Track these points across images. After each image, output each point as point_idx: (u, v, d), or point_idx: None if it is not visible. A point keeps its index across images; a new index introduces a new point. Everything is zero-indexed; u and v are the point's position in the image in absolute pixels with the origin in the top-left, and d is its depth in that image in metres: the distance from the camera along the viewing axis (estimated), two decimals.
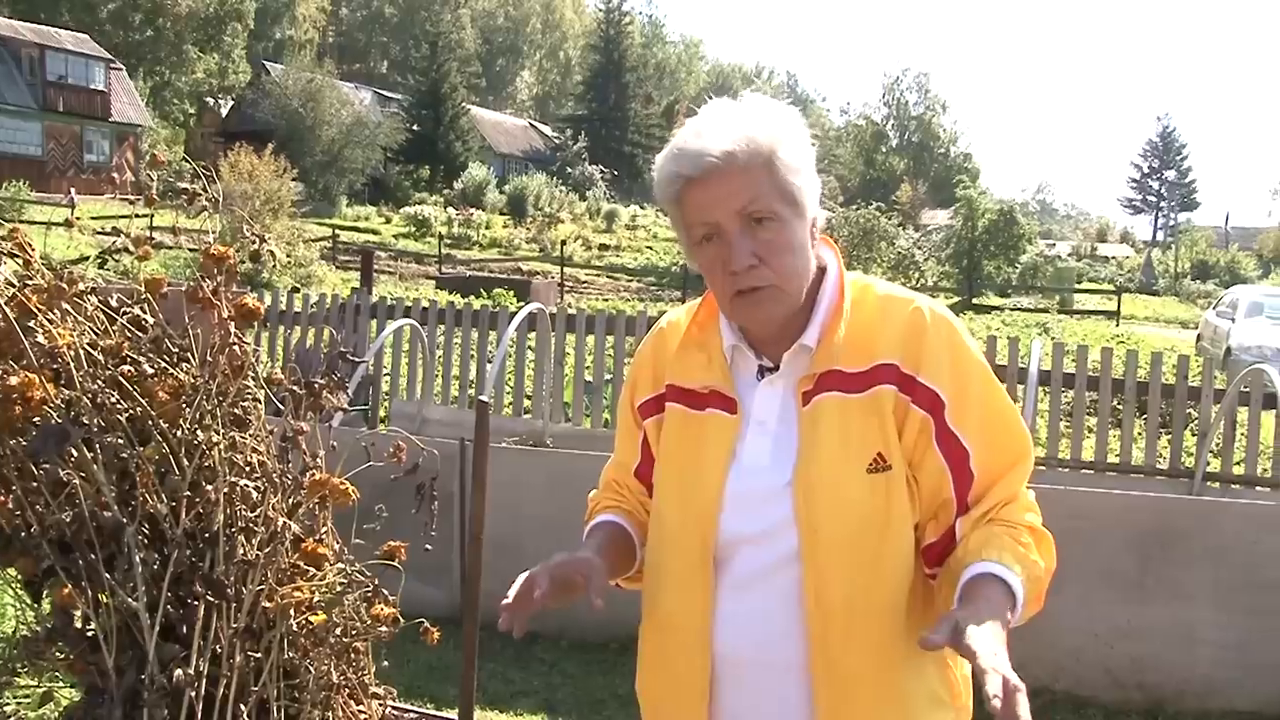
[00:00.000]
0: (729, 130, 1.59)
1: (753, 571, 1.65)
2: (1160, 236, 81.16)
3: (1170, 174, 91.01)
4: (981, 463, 1.62)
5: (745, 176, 1.58)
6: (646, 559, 1.79)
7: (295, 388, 2.15)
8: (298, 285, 17.43)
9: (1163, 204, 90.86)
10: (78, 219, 20.47)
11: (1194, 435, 8.60)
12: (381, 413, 9.61)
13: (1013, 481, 1.63)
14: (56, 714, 2.12)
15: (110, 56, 47.63)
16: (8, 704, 3.71)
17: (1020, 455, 1.66)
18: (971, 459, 1.62)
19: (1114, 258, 55.39)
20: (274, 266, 23.14)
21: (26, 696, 3.63)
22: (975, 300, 31.80)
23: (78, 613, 1.93)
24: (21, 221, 22.74)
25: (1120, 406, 8.24)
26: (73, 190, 35.64)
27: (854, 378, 1.63)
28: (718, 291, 1.66)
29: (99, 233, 22.32)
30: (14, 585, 2.06)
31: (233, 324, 2.04)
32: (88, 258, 2.25)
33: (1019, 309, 28.39)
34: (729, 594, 1.66)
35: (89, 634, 1.93)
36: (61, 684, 2.40)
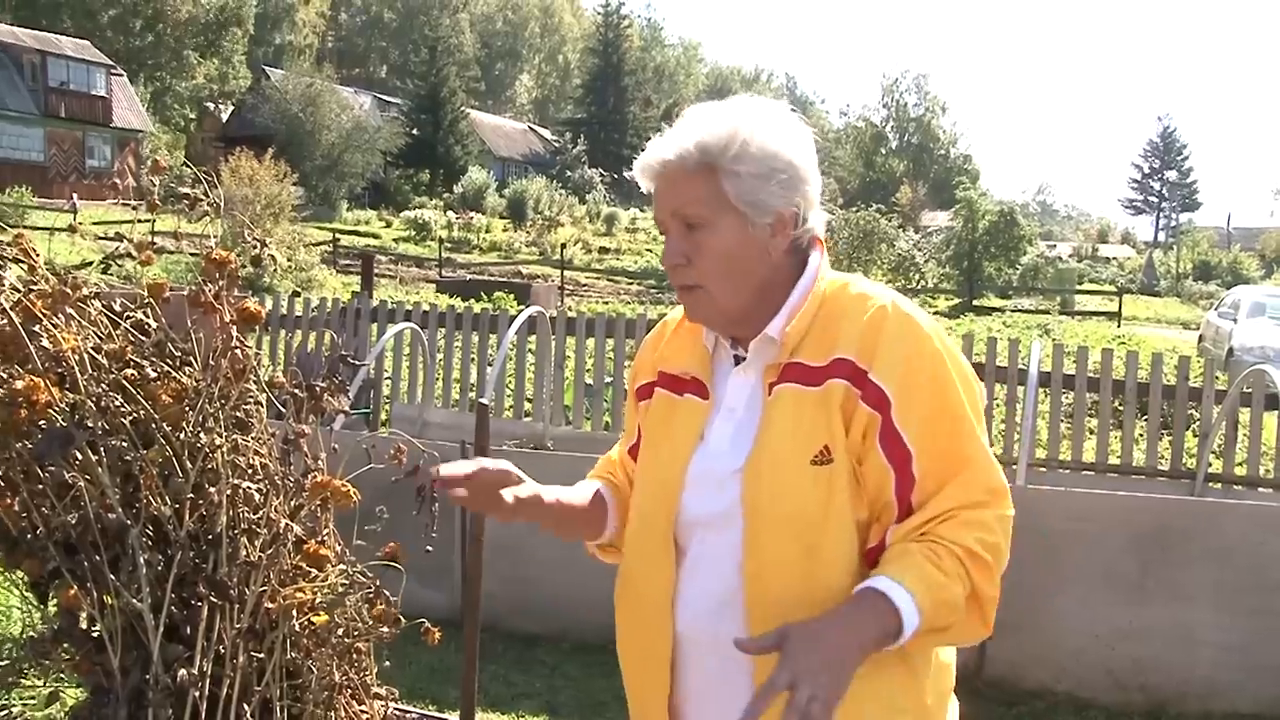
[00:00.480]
0: (682, 135, 1.67)
1: (707, 549, 1.70)
2: (1162, 237, 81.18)
3: (1171, 174, 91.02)
4: (924, 467, 1.61)
5: (681, 181, 1.66)
6: (626, 531, 1.86)
7: (297, 391, 2.16)
8: (298, 289, 17.44)
9: (1164, 204, 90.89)
10: (80, 224, 20.48)
11: (1195, 436, 8.60)
12: (383, 416, 9.62)
13: (955, 493, 1.60)
14: (63, 714, 2.13)
15: (111, 62, 47.71)
16: (14, 704, 3.73)
17: (964, 464, 1.62)
18: (914, 461, 1.61)
19: (1115, 259, 55.40)
20: (275, 271, 23.16)
21: (33, 697, 3.65)
22: (976, 302, 31.79)
23: (83, 614, 1.94)
24: (24, 227, 22.71)
25: (1121, 408, 8.25)
26: (75, 196, 35.69)
27: (813, 371, 1.66)
28: None
29: (101, 238, 22.34)
30: (21, 587, 2.07)
31: (234, 328, 2.05)
32: (91, 263, 2.26)
33: (1020, 310, 28.38)
34: (688, 571, 1.72)
35: (94, 635, 1.94)
36: (67, 684, 2.41)
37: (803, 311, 1.69)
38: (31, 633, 2.00)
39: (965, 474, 1.61)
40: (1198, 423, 8.17)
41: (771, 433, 1.66)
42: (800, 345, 1.67)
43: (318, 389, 2.16)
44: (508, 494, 1.72)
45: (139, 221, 2.68)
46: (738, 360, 1.76)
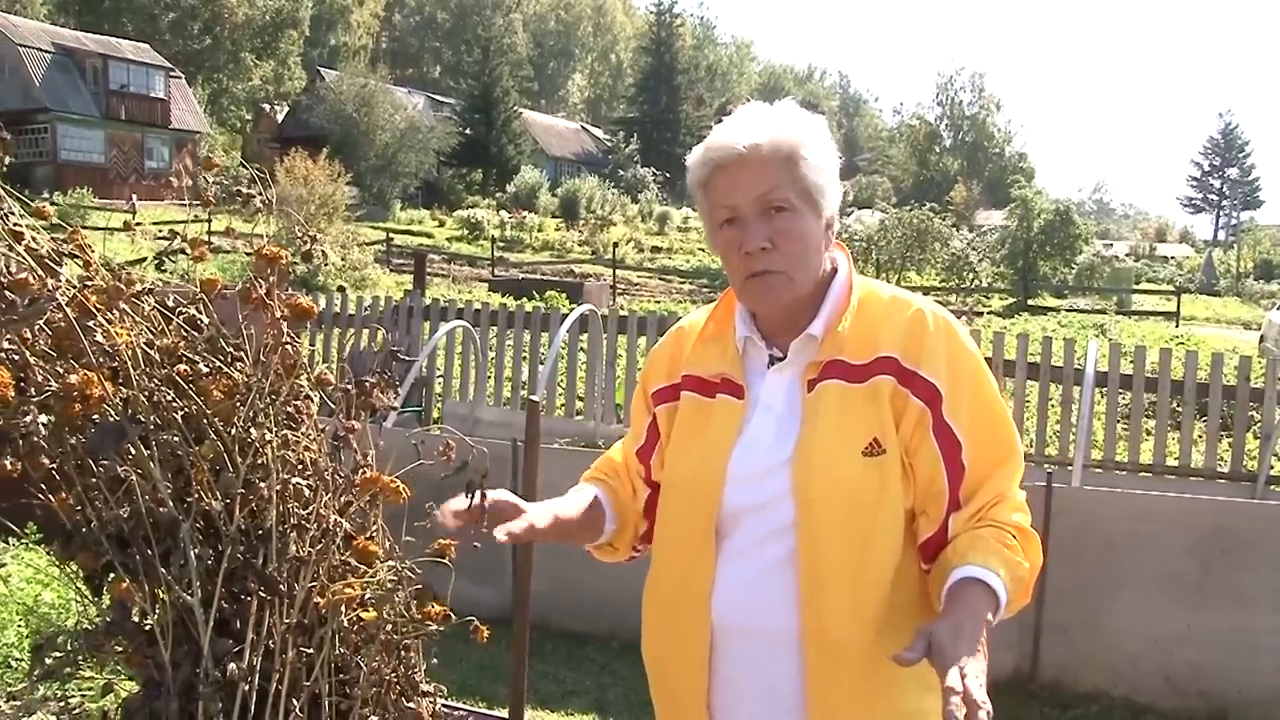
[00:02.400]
0: (757, 126, 1.73)
1: (751, 540, 1.75)
2: (1222, 236, 79.83)
3: (1232, 172, 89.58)
4: (973, 456, 1.71)
5: (767, 167, 1.72)
6: (656, 530, 1.92)
7: (347, 388, 2.17)
8: (344, 286, 17.59)
9: (1224, 202, 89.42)
10: (138, 224, 20.86)
11: (1257, 438, 8.44)
12: (435, 413, 9.69)
13: (1002, 478, 1.73)
14: (116, 706, 2.15)
15: (170, 65, 48.52)
16: (73, 695, 3.79)
17: (1009, 452, 1.76)
18: (964, 451, 1.71)
19: (1173, 258, 54.57)
20: (327, 269, 23.39)
21: (91, 689, 3.71)
22: (1031, 301, 31.39)
23: (135, 607, 1.96)
24: (85, 227, 23.14)
25: (1180, 409, 8.11)
26: (134, 196, 36.30)
27: (856, 369, 1.74)
28: (732, 274, 1.79)
29: (160, 238, 22.69)
30: (76, 580, 2.10)
31: (285, 324, 2.06)
32: (145, 259, 2.29)
33: (1075, 310, 27.97)
34: (729, 562, 1.76)
35: (146, 628, 1.96)
36: (121, 676, 2.44)
37: (841, 310, 1.78)
38: (86, 625, 2.02)
39: (1011, 461, 1.75)
40: (1259, 424, 8.00)
41: (818, 426, 1.73)
42: (843, 344, 1.75)
43: (367, 385, 2.17)
44: (500, 532, 1.75)
45: (196, 221, 2.70)
46: (772, 360, 1.82)
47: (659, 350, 2.00)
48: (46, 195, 31.99)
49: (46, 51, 44.17)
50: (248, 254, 2.29)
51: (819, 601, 1.69)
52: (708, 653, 1.77)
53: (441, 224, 45.06)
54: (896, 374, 1.72)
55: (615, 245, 38.17)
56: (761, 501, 1.74)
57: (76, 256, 2.14)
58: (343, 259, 25.45)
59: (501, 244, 38.71)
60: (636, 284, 33.29)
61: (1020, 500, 1.74)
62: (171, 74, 47.86)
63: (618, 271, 32.72)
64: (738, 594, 1.75)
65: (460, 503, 1.80)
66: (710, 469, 1.78)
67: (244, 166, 2.73)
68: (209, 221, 20.56)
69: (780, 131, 1.73)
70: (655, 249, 43.44)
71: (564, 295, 21.57)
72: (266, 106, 62.90)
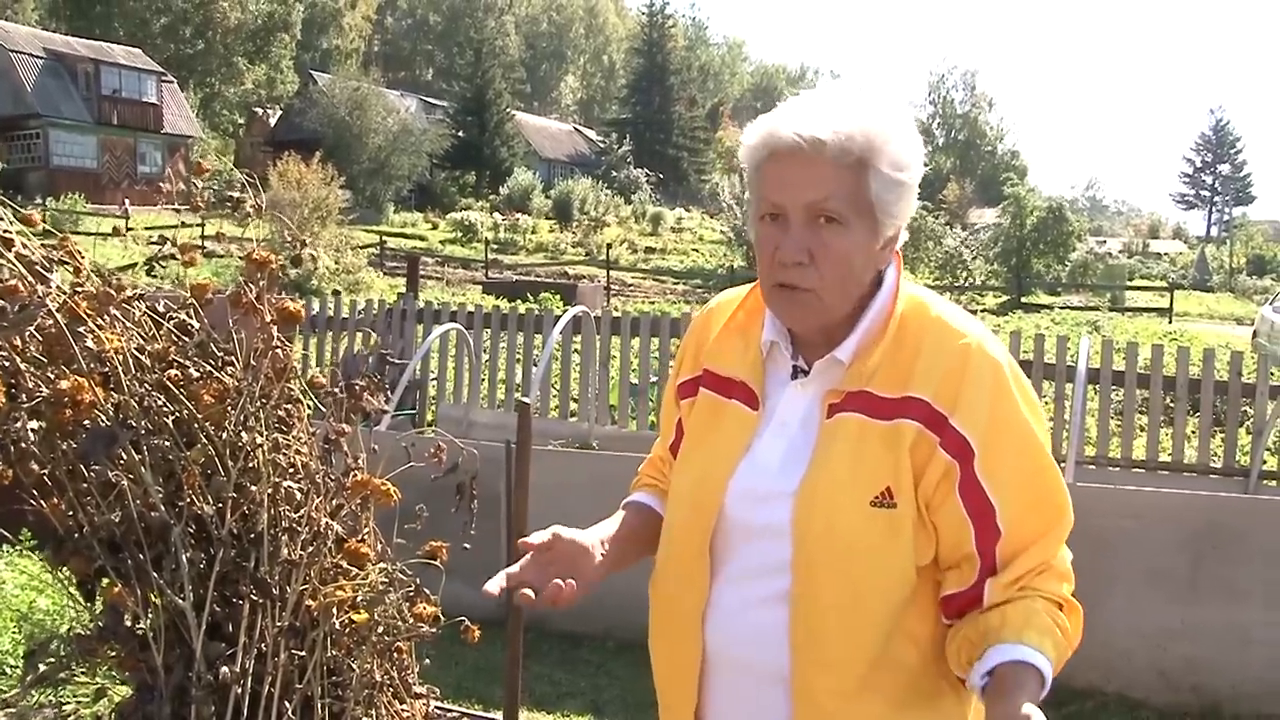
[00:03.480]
0: (832, 117, 1.50)
1: (746, 568, 1.62)
2: (1214, 232, 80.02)
3: (1224, 168, 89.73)
4: (1012, 520, 1.53)
5: (827, 171, 1.49)
6: (662, 533, 1.77)
7: (337, 391, 2.18)
8: (338, 290, 17.58)
9: (1216, 198, 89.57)
10: (130, 229, 20.80)
11: (1249, 433, 8.46)
12: (429, 416, 9.68)
13: (1049, 546, 1.55)
14: (110, 710, 2.16)
15: (162, 70, 48.48)
16: (67, 702, 3.79)
17: (1056, 517, 1.56)
18: (998, 514, 1.53)
19: (1166, 254, 54.66)
20: (321, 272, 23.38)
21: (87, 695, 3.71)
22: (1024, 299, 31.43)
23: (128, 612, 1.97)
24: (76, 233, 23.15)
25: (1173, 404, 8.12)
26: (127, 201, 36.24)
27: (882, 403, 1.55)
28: (762, 273, 1.60)
29: (153, 243, 22.62)
30: (68, 585, 2.10)
31: (275, 328, 2.07)
32: (135, 265, 2.29)
33: (1069, 307, 28.00)
34: (723, 586, 1.64)
35: (139, 632, 1.97)
36: (114, 681, 2.45)
37: (876, 336, 1.58)
38: (79, 630, 2.03)
39: (1059, 527, 1.57)
40: (1251, 419, 8.02)
41: (829, 462, 1.56)
42: (871, 375, 1.56)
43: (357, 388, 2.18)
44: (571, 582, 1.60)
45: (189, 226, 2.71)
46: (795, 371, 1.65)
47: (689, 338, 1.82)
48: (39, 201, 31.97)
49: (38, 57, 44.09)
50: (241, 258, 2.29)
51: (810, 650, 1.56)
52: (698, 673, 1.66)
53: (435, 227, 45.04)
54: (925, 419, 1.53)
55: (609, 246, 38.15)
56: (759, 527, 1.60)
57: (67, 263, 2.15)
58: (336, 262, 25.44)
59: (495, 246, 38.70)
60: (631, 285, 33.31)
61: (1066, 568, 1.56)
62: (164, 78, 47.80)
63: (612, 273, 32.71)
64: (730, 623, 1.62)
65: (541, 536, 1.63)
66: (712, 480, 1.65)
67: (235, 171, 2.74)
68: (202, 226, 20.54)
69: (854, 129, 1.49)
70: (649, 250, 43.46)
71: (558, 297, 21.56)
72: (259, 110, 62.84)
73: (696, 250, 44.61)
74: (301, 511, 2.04)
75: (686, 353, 1.81)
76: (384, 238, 35.92)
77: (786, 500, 1.57)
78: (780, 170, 1.52)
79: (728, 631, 1.63)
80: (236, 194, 2.39)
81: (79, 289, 2.09)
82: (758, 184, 1.56)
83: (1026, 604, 1.50)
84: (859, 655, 1.55)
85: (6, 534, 3.71)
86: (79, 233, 23.08)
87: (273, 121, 59.27)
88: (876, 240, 1.55)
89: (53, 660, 2.04)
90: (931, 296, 1.65)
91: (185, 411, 1.99)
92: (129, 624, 1.97)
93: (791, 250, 1.52)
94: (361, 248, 30.92)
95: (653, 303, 25.78)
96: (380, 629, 2.08)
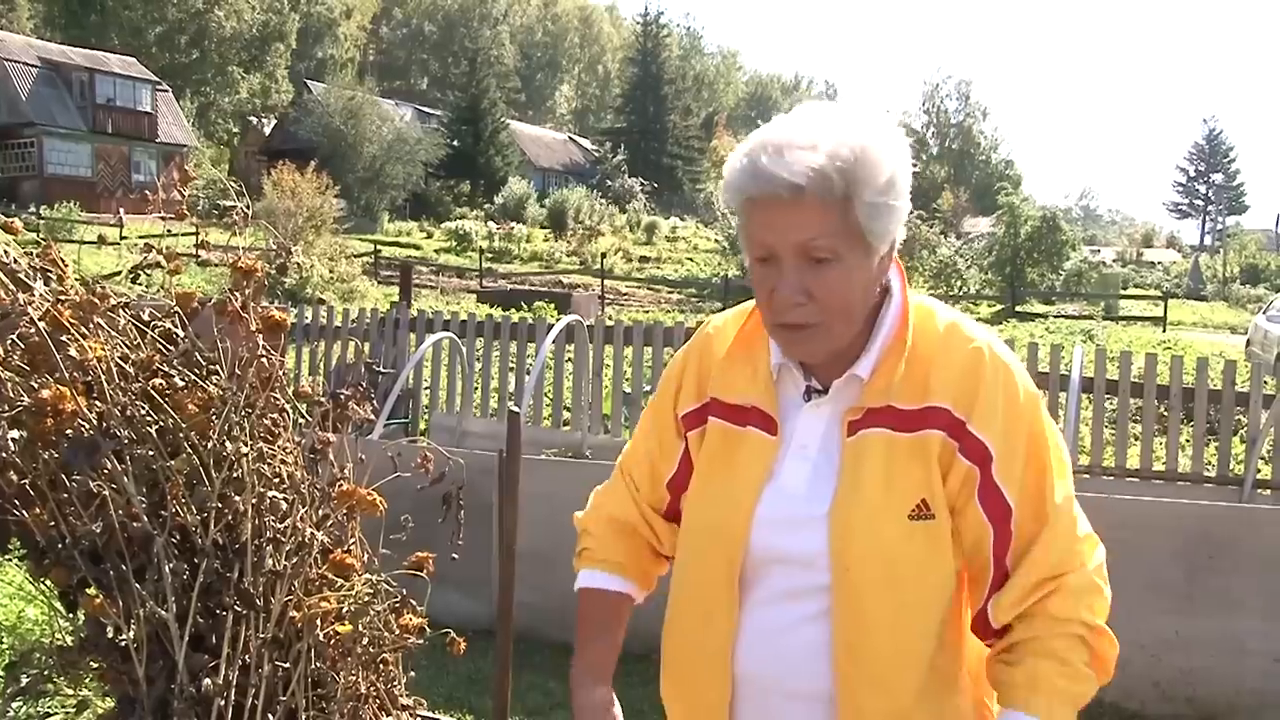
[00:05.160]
0: (807, 156, 1.45)
1: (779, 591, 1.60)
2: (1208, 241, 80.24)
3: (1218, 177, 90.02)
4: (1018, 522, 1.54)
5: (812, 213, 1.46)
6: (675, 571, 1.73)
7: (323, 400, 2.16)
8: (323, 299, 17.55)
9: (1210, 208, 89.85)
10: (123, 238, 20.79)
11: (1243, 442, 8.45)
12: (422, 425, 9.66)
13: (1050, 551, 1.54)
14: None
15: (157, 79, 48.50)
16: (54, 713, 3.75)
17: (1052, 516, 1.56)
18: (1013, 517, 1.54)
19: (1160, 263, 54.81)
20: (315, 281, 23.36)
21: (70, 707, 3.68)
22: (1019, 308, 31.43)
23: (110, 623, 1.95)
24: (70, 241, 23.12)
25: (1167, 413, 8.12)
26: (121, 210, 36.21)
27: (905, 415, 1.54)
28: (763, 313, 1.58)
29: (144, 251, 22.57)
30: (50, 596, 2.08)
31: (261, 336, 2.05)
32: (119, 272, 2.28)
33: (1063, 316, 28.01)
34: (754, 610, 1.61)
35: (121, 644, 1.94)
36: (96, 694, 2.42)
37: (894, 349, 1.57)
38: (61, 642, 2.01)
39: (1053, 526, 1.55)
40: (1245, 428, 8.02)
41: (861, 481, 1.54)
42: (893, 390, 1.55)
43: (344, 398, 2.16)
44: None
45: (183, 235, 2.69)
46: (809, 392, 1.62)
47: (683, 364, 1.76)
48: (33, 209, 31.93)
49: (33, 66, 44.11)
50: (228, 267, 2.27)
51: (855, 671, 1.54)
52: (728, 702, 1.62)
53: (430, 235, 45.06)
54: (947, 427, 1.53)
55: (603, 255, 38.15)
56: (793, 555, 1.58)
57: (50, 271, 2.13)
58: (331, 271, 25.41)
59: (490, 255, 38.69)
60: (625, 294, 33.29)
61: (1084, 581, 1.56)
62: (159, 87, 47.82)
63: (606, 281, 32.71)
64: (764, 647, 1.60)
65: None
66: (737, 513, 1.60)
67: (225, 180, 2.72)
68: (196, 234, 20.48)
69: (831, 166, 1.45)
70: (644, 259, 43.45)
71: (552, 306, 21.57)
72: (254, 119, 62.93)
73: (691, 259, 44.59)
74: (286, 522, 2.02)
75: (687, 380, 1.74)
76: (378, 247, 35.90)
77: (820, 524, 1.55)
78: (765, 215, 1.49)
79: (761, 656, 1.60)
80: (229, 203, 2.38)
81: (62, 297, 2.07)
82: (745, 225, 1.54)
83: (1031, 665, 1.52)
84: (905, 674, 1.54)
85: None
86: (73, 241, 23.06)
87: (267, 131, 59.33)
88: (872, 262, 1.53)
89: (35, 672, 2.01)
90: (937, 304, 1.64)
91: (169, 421, 1.97)
92: (111, 635, 1.95)
93: (789, 292, 1.50)
94: (356, 256, 30.89)
95: (647, 311, 25.81)
96: (365, 640, 2.06)
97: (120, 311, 2.13)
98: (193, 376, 2.05)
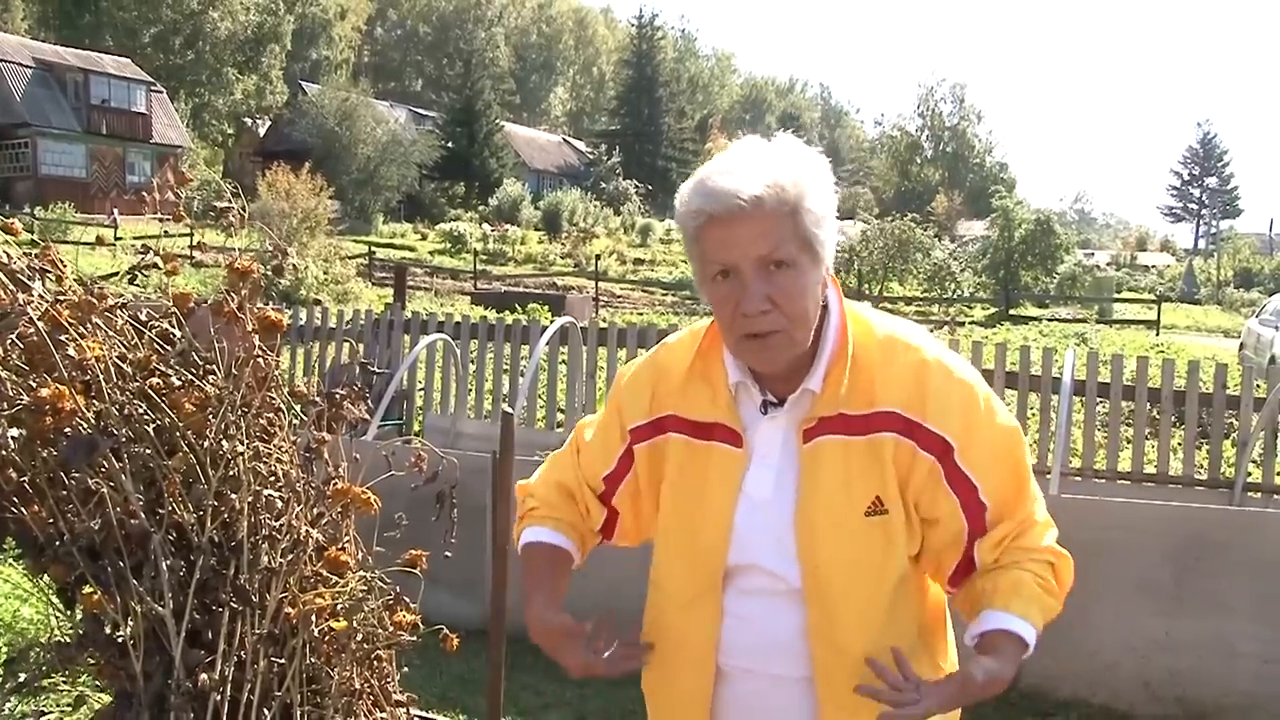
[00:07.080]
0: (758, 173, 1.59)
1: (756, 587, 1.74)
2: (1202, 244, 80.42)
3: (1212, 181, 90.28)
4: (992, 491, 1.71)
5: (770, 222, 1.59)
6: (653, 575, 1.87)
7: (318, 400, 2.18)
8: (319, 300, 17.55)
9: (1204, 211, 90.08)
10: (118, 239, 20.78)
11: (1234, 445, 8.49)
12: (416, 426, 9.68)
13: (1024, 500, 1.74)
14: (89, 717, 2.16)
15: (151, 79, 48.41)
16: (50, 710, 3.77)
17: (1025, 477, 1.75)
18: (981, 491, 1.70)
19: (1154, 267, 54.84)
20: (310, 283, 23.35)
21: (67, 703, 3.69)
22: (1013, 311, 31.49)
23: (107, 619, 1.97)
24: (64, 242, 23.09)
25: (1158, 416, 8.15)
26: (116, 211, 36.17)
27: (855, 420, 1.69)
28: (725, 330, 1.69)
29: (139, 252, 22.57)
30: (48, 592, 2.10)
31: (257, 337, 2.07)
32: (117, 274, 2.30)
33: (1057, 319, 28.08)
34: (733, 621, 1.75)
35: (118, 640, 1.96)
36: (93, 689, 2.44)
37: (838, 360, 1.70)
38: (58, 638, 2.03)
39: (1024, 491, 1.75)
40: (1236, 431, 8.06)
41: (819, 484, 1.69)
42: (842, 399, 1.69)
43: (337, 397, 2.18)
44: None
45: (178, 236, 2.71)
46: (765, 405, 1.75)
47: (638, 381, 1.89)
48: (27, 210, 31.88)
49: (27, 66, 44.03)
50: (225, 267, 2.29)
51: (831, 657, 1.70)
52: (710, 690, 1.78)
53: (424, 237, 45.03)
54: (901, 429, 1.68)
55: (598, 258, 38.16)
56: (767, 560, 1.72)
57: (49, 271, 2.15)
58: (325, 273, 25.40)
59: (484, 257, 38.68)
60: (619, 296, 33.29)
61: (1046, 517, 1.76)
62: (153, 88, 47.75)
63: (600, 284, 32.73)
64: (744, 637, 1.75)
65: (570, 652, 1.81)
66: (715, 527, 1.74)
67: (219, 182, 2.74)
68: (191, 235, 20.52)
69: (783, 180, 1.59)
70: (638, 261, 43.46)
71: (546, 308, 21.56)
72: (249, 121, 62.84)
73: (685, 262, 44.54)
74: (282, 520, 2.04)
75: (637, 397, 1.87)
76: (373, 248, 35.89)
77: (788, 528, 1.70)
78: (724, 232, 1.60)
79: (741, 646, 1.76)
80: (224, 204, 2.40)
81: (61, 298, 2.09)
82: (700, 248, 1.65)
83: (1015, 574, 1.69)
84: (880, 651, 1.66)
85: None
86: (67, 242, 23.03)
87: (262, 132, 59.27)
88: (820, 271, 1.66)
89: (32, 668, 2.04)
90: (873, 314, 1.78)
91: (166, 420, 1.99)
92: (108, 631, 1.97)
93: (754, 302, 1.61)
94: (350, 258, 30.89)
95: (641, 314, 25.81)
96: (359, 636, 2.08)
97: (118, 312, 2.15)
98: (190, 376, 2.07)
